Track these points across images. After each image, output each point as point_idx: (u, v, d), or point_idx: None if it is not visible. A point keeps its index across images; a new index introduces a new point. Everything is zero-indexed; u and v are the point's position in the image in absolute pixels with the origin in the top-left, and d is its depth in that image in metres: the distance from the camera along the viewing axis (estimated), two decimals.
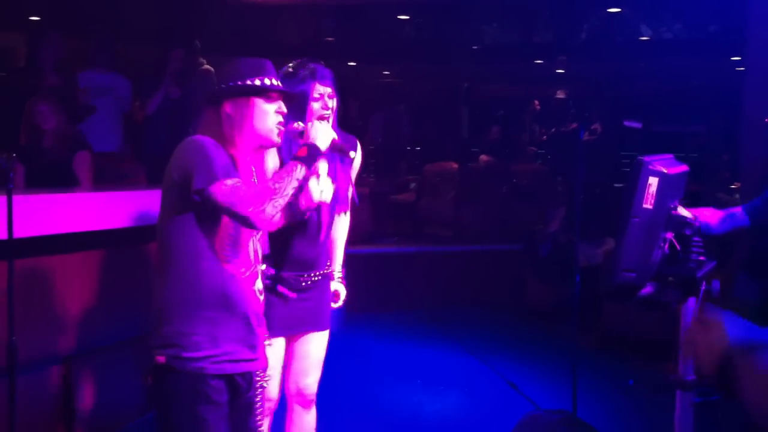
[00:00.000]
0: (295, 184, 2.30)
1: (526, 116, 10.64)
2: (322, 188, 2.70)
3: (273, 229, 2.48)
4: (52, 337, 3.69)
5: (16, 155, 3.10)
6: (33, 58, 5.44)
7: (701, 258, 2.52)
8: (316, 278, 3.02)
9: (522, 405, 4.69)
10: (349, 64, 10.85)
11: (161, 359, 2.31)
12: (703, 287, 2.57)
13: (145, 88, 6.02)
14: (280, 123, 2.39)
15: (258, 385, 2.46)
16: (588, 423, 3.51)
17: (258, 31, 8.60)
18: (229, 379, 2.36)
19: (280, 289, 2.94)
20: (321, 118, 2.84)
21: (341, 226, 3.19)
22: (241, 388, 2.40)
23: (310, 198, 2.69)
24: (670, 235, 2.49)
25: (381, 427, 4.37)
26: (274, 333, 2.92)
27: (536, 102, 10.42)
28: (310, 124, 2.56)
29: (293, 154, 2.42)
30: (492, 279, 7.49)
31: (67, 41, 5.47)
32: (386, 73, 11.97)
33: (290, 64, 2.95)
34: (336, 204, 3.00)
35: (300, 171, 2.33)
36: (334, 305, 3.16)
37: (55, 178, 4.65)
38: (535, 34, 9.97)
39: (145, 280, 4.21)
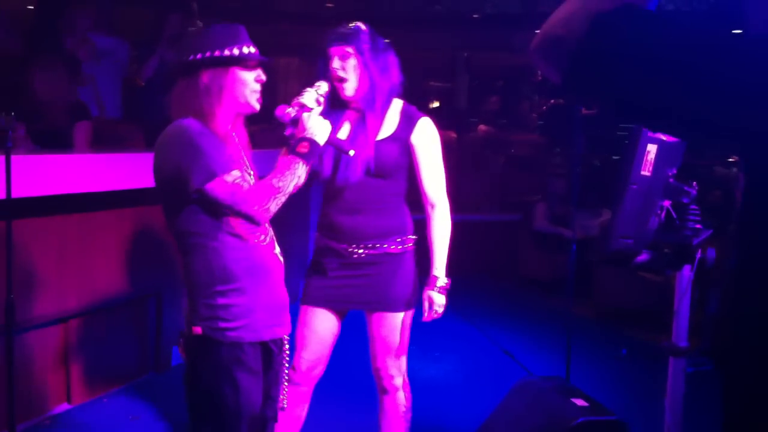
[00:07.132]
0: (297, 180, 2.31)
1: (525, 86, 10.59)
2: (315, 127, 2.45)
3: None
4: (50, 298, 3.71)
5: (14, 115, 3.08)
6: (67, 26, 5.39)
7: (697, 226, 2.54)
8: (370, 251, 2.84)
9: (516, 372, 4.73)
10: None
11: (197, 330, 2.31)
12: (698, 255, 2.59)
13: (142, 51, 5.96)
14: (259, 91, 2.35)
15: (286, 350, 2.49)
16: (580, 389, 3.54)
17: None
18: (264, 346, 2.39)
19: (325, 261, 2.88)
20: (335, 77, 2.78)
21: (437, 223, 2.89)
22: (273, 354, 2.43)
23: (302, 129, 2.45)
24: (667, 203, 2.50)
25: (375, 391, 4.40)
26: (311, 302, 2.91)
27: (539, 72, 10.35)
28: (306, 115, 2.45)
29: (294, 149, 2.35)
30: (490, 248, 7.52)
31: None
32: (386, 41, 11.88)
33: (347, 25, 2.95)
34: (356, 169, 2.78)
35: (302, 168, 2.33)
36: (425, 316, 2.92)
37: (55, 146, 4.64)
38: (536, 3, 9.86)
39: (144, 242, 4.23)
